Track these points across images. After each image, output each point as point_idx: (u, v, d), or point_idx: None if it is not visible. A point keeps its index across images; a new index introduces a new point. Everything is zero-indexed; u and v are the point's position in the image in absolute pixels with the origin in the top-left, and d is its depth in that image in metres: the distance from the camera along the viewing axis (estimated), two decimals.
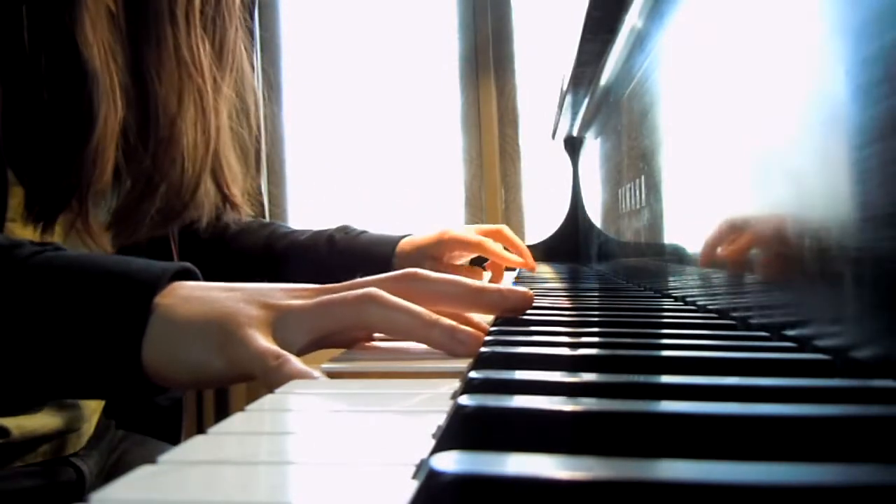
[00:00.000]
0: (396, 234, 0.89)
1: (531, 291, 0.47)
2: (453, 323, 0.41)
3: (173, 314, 0.40)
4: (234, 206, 0.73)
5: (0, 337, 0.40)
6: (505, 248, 0.96)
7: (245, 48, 0.73)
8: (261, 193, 2.02)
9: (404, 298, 0.41)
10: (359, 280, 0.44)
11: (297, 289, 0.43)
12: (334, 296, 0.41)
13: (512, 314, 0.46)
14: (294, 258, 0.85)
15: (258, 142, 0.75)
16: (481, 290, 0.45)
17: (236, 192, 0.72)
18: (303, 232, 0.89)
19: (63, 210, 0.57)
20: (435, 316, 0.41)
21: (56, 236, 0.60)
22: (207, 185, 0.67)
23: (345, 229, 0.89)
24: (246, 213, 0.77)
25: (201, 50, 0.64)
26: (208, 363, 0.39)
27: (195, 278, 0.45)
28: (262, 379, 0.37)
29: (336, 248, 0.85)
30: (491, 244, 0.91)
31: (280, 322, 0.40)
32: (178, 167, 0.62)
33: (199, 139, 0.64)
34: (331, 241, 0.86)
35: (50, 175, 0.56)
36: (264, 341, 0.38)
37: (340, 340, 0.44)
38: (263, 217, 2.05)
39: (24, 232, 0.57)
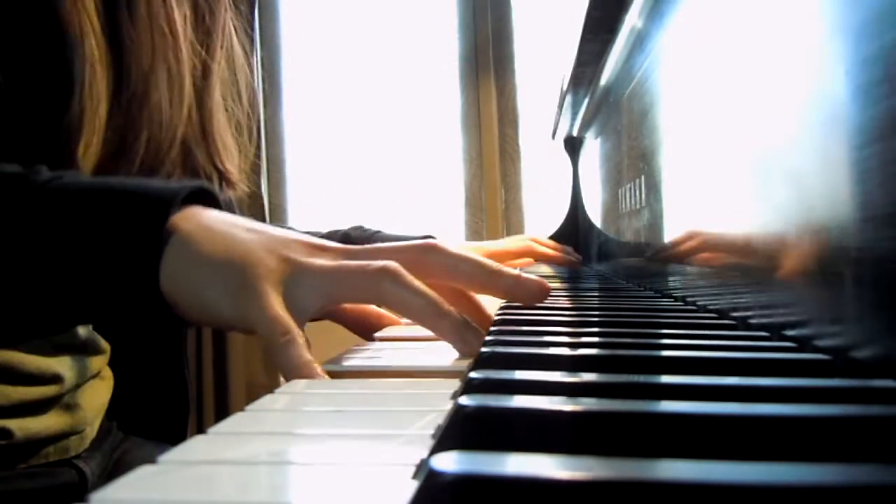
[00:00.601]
0: (412, 233, 0.88)
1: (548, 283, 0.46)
2: (465, 319, 0.41)
3: (194, 242, 0.39)
4: (229, 182, 0.73)
5: (21, 260, 0.40)
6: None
7: (235, 28, 0.73)
8: (261, 194, 2.02)
9: (421, 270, 0.41)
10: (380, 246, 0.43)
11: (319, 245, 0.42)
12: (353, 263, 0.40)
13: (526, 302, 0.46)
14: None
15: (249, 119, 0.76)
16: (497, 273, 0.44)
17: (231, 168, 0.72)
18: (316, 232, 0.89)
19: None
20: (448, 307, 0.40)
21: None
22: (200, 160, 0.67)
23: (360, 228, 0.88)
24: (242, 191, 0.77)
25: (175, 11, 0.63)
26: (220, 307, 0.39)
27: (214, 200, 0.44)
28: (264, 348, 0.37)
29: (352, 244, 0.85)
30: (538, 247, 0.90)
31: (295, 280, 0.39)
32: (155, 124, 0.62)
33: (175, 98, 0.63)
34: (346, 237, 0.86)
35: (33, 142, 0.55)
36: (279, 307, 0.38)
37: (350, 308, 0.44)
38: (263, 218, 2.05)
39: None
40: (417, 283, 0.40)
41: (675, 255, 0.61)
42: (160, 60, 0.62)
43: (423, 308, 0.40)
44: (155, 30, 0.62)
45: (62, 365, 0.65)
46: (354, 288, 0.40)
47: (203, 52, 0.67)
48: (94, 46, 0.58)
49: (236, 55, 0.74)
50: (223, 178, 0.73)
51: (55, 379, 0.64)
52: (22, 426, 0.61)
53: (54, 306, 0.41)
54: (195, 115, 0.66)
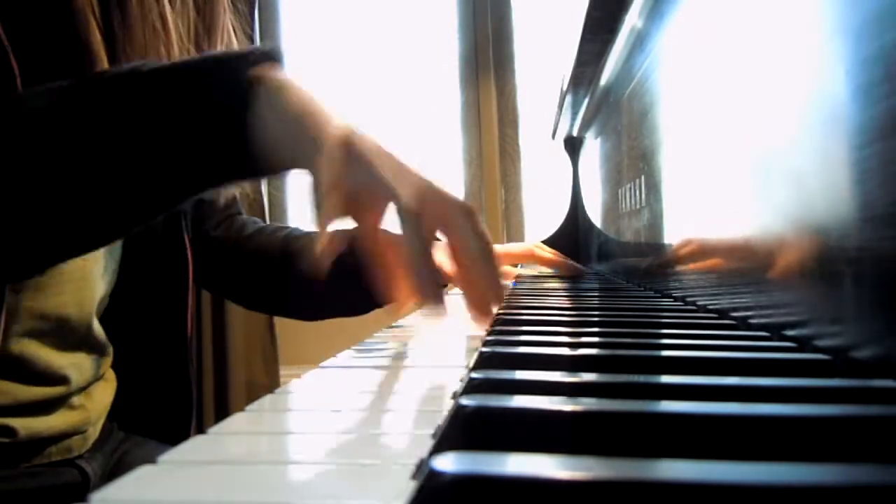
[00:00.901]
0: None
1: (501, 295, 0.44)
2: (500, 291, 0.42)
3: (285, 88, 0.44)
4: None
5: (132, 137, 0.42)
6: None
7: (235, 30, 0.74)
8: (261, 194, 2.02)
9: (438, 217, 0.41)
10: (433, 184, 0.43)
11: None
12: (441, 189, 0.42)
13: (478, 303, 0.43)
14: (311, 254, 0.83)
15: None
16: (489, 268, 0.42)
17: None
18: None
19: None
20: (436, 269, 0.40)
21: None
22: None
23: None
24: (242, 189, 0.77)
25: (167, 9, 0.64)
26: (298, 155, 0.43)
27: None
28: (311, 204, 0.41)
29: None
30: (540, 252, 0.91)
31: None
32: None
33: None
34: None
35: None
36: (335, 190, 0.41)
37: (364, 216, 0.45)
38: (263, 219, 2.05)
39: None
40: (425, 233, 0.40)
41: (676, 260, 0.61)
42: (151, 55, 0.63)
43: (414, 246, 0.40)
44: (146, 25, 0.63)
45: (70, 363, 0.66)
46: (443, 198, 0.41)
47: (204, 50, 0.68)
48: (97, 41, 0.59)
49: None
50: None
51: (63, 379, 0.64)
52: (26, 425, 0.62)
53: (165, 165, 0.44)
54: None
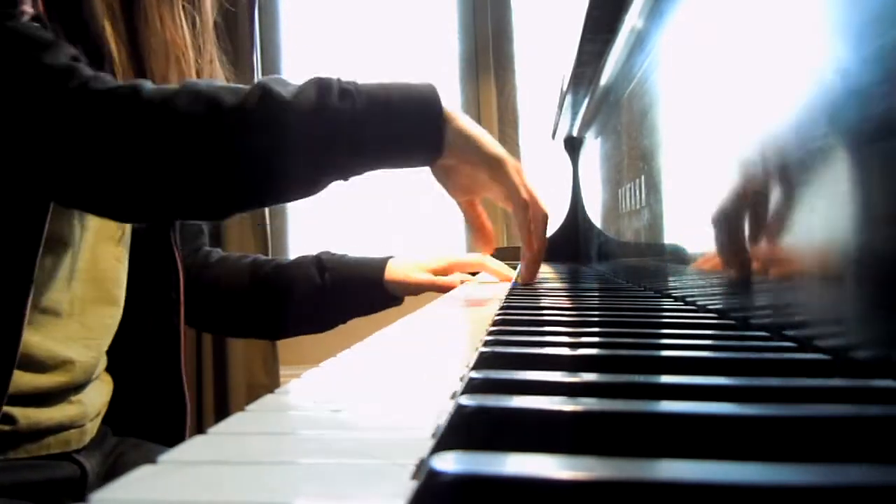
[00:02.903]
0: (410, 247, 0.94)
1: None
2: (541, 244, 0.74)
3: (462, 120, 0.65)
4: None
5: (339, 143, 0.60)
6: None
7: (218, 35, 0.79)
8: None
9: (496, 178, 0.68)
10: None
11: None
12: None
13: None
14: (282, 277, 0.88)
15: None
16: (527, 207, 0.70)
17: None
18: (285, 259, 0.92)
19: None
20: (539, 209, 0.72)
21: None
22: None
23: (328, 253, 0.91)
24: None
25: (179, 20, 0.72)
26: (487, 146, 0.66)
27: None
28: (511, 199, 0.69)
29: (324, 265, 0.88)
30: (491, 263, 0.95)
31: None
32: None
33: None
34: (318, 261, 0.89)
35: None
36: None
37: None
38: (263, 218, 2.05)
39: None
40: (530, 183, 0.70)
41: (677, 263, 0.61)
42: (173, 65, 0.70)
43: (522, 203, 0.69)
44: (167, 37, 0.70)
45: (72, 353, 0.67)
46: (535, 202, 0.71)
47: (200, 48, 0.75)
48: (117, 50, 0.66)
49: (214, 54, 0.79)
50: None
51: (64, 369, 0.66)
52: (26, 414, 0.63)
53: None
54: None
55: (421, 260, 0.91)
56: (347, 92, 0.59)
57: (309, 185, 0.63)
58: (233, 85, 0.60)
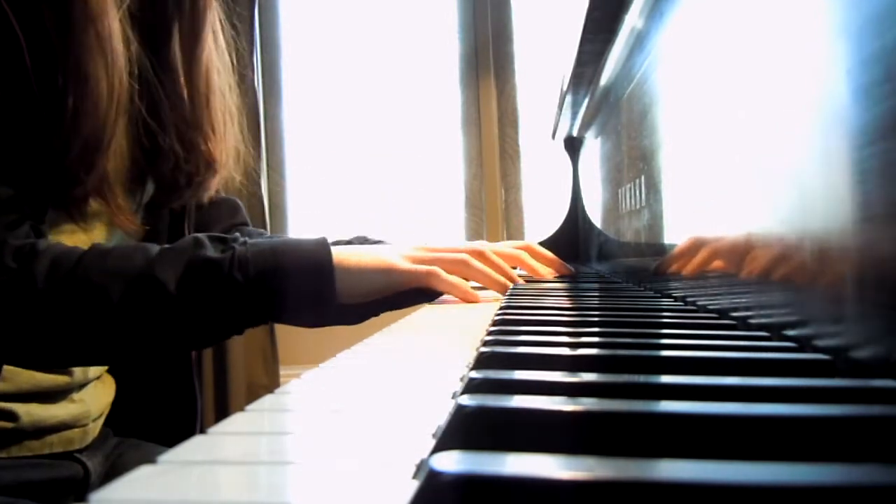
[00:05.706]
0: (407, 235, 0.92)
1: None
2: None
3: (348, 262, 0.63)
4: (209, 164, 0.74)
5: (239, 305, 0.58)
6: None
7: (222, 27, 0.77)
8: (261, 195, 2.02)
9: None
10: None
11: (419, 249, 0.69)
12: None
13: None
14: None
15: (240, 112, 0.83)
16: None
17: (214, 150, 0.74)
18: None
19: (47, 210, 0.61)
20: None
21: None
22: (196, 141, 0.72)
23: (363, 237, 0.90)
24: (229, 176, 0.79)
25: (211, 40, 0.72)
26: (374, 283, 0.64)
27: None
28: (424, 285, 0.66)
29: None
30: (527, 258, 0.92)
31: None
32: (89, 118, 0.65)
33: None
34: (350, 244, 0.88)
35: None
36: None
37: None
38: (263, 219, 2.05)
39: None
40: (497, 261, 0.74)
41: (678, 264, 0.61)
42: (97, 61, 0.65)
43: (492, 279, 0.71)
44: (196, 62, 0.71)
45: None
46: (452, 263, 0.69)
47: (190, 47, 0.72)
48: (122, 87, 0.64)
49: (221, 51, 0.77)
50: (205, 159, 0.74)
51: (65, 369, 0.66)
52: (29, 411, 0.63)
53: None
54: (187, 106, 0.70)
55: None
56: (240, 264, 0.58)
57: (199, 343, 0.66)
58: (125, 265, 0.57)
